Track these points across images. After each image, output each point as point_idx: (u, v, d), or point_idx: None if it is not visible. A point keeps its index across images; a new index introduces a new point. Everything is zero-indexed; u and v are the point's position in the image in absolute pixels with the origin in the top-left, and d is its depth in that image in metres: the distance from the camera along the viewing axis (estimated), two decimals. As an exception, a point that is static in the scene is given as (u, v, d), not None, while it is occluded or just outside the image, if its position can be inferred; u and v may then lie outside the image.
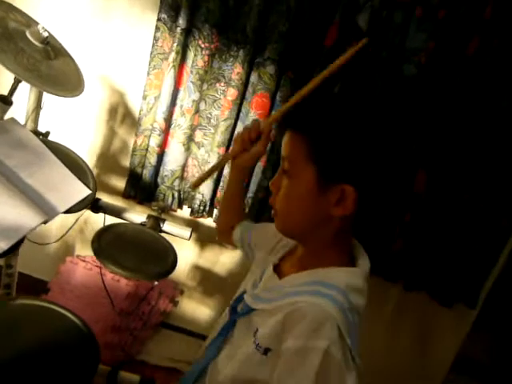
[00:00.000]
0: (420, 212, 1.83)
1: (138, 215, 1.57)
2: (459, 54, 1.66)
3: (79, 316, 1.00)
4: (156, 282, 1.47)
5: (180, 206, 1.97)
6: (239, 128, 1.82)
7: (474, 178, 1.78)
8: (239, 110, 1.81)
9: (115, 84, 1.88)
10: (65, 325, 0.96)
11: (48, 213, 1.14)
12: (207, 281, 2.11)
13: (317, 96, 0.86)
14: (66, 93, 1.31)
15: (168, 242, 1.45)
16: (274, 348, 0.73)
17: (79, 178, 1.33)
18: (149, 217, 1.56)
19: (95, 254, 1.27)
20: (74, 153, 1.39)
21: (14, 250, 1.01)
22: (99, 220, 1.89)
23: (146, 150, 1.86)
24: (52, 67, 1.32)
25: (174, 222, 1.59)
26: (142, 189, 1.89)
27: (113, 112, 1.93)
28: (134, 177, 1.90)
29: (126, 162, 1.94)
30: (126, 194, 1.92)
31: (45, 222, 1.13)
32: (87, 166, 1.39)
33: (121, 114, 1.93)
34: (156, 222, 1.56)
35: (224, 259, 2.07)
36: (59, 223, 1.73)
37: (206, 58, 1.74)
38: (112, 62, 1.85)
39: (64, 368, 0.86)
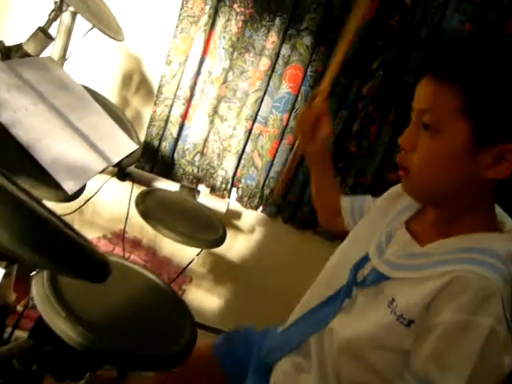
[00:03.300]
0: None
1: (169, 185, 1.42)
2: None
3: (154, 272, 0.85)
4: (196, 257, 1.32)
5: (196, 184, 1.82)
6: (267, 101, 1.72)
7: None
8: (267, 83, 1.71)
9: (131, 48, 1.72)
10: (144, 282, 0.80)
11: (105, 160, 0.98)
12: (218, 267, 1.96)
13: (468, 36, 0.75)
14: (113, 33, 1.15)
15: (210, 209, 1.31)
16: (419, 319, 0.66)
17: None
18: (182, 187, 1.43)
19: (143, 216, 1.11)
20: (114, 105, 1.23)
21: (79, 195, 0.85)
22: (100, 199, 1.71)
23: (166, 120, 1.70)
24: (96, 4, 1.16)
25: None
26: (160, 162, 1.72)
27: (127, 79, 1.76)
28: (149, 150, 1.73)
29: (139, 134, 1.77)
30: (139, 167, 1.74)
31: (102, 171, 0.97)
32: (129, 120, 1.23)
33: (136, 82, 1.76)
34: (191, 193, 1.42)
35: (237, 245, 1.94)
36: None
37: (240, 24, 1.63)
38: (130, 24, 1.68)
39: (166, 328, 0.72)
